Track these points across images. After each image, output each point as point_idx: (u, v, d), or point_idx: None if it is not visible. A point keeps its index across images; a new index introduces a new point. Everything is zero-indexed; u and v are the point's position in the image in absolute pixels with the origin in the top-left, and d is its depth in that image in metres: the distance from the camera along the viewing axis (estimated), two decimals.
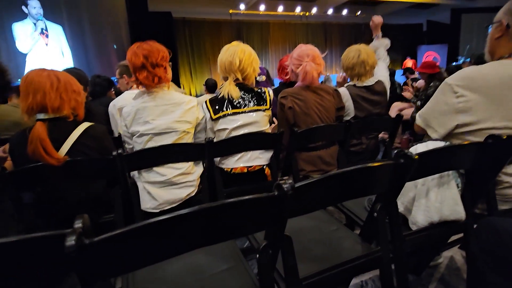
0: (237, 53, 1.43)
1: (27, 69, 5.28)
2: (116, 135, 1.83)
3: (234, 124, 1.45)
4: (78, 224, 0.47)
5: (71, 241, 0.42)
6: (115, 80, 2.39)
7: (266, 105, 1.50)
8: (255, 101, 1.48)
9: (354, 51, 1.71)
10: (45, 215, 1.18)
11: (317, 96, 1.59)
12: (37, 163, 1.06)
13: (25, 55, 5.38)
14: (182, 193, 1.34)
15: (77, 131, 1.15)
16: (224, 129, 1.46)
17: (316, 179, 0.68)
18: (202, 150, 1.33)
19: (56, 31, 5.64)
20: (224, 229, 0.62)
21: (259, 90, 1.50)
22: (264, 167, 1.53)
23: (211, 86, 4.20)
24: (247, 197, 0.60)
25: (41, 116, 1.11)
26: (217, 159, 1.50)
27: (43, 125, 1.08)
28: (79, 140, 1.15)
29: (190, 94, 7.48)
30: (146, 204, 1.32)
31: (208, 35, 8.45)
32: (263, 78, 2.58)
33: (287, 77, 2.07)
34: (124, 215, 1.24)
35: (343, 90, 1.73)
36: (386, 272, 0.85)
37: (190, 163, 1.39)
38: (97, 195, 1.24)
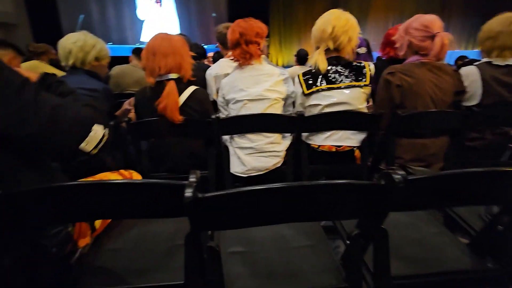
0: (330, 20, 1.31)
1: (143, 34, 6.17)
2: (211, 99, 1.98)
3: (328, 100, 1.37)
4: (192, 178, 0.52)
5: (189, 192, 0.47)
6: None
7: (365, 81, 1.35)
8: (353, 76, 1.35)
9: (505, 18, 1.34)
10: (155, 162, 1.39)
11: (434, 75, 1.34)
12: (154, 117, 1.23)
13: (142, 21, 6.19)
14: (269, 162, 1.38)
15: (186, 92, 1.28)
16: (317, 105, 1.40)
17: (435, 175, 0.58)
18: (293, 123, 1.31)
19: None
20: (316, 210, 0.60)
21: (358, 64, 1.36)
22: (354, 149, 1.43)
23: (302, 57, 4.05)
24: (346, 181, 0.56)
25: (171, 76, 1.25)
26: (305, 134, 1.47)
27: (174, 84, 1.23)
28: (187, 102, 1.27)
29: (277, 64, 7.44)
30: (235, 168, 1.40)
31: (302, 4, 8.03)
32: (363, 50, 2.32)
33: (391, 53, 1.83)
34: (216, 174, 1.35)
35: (470, 69, 1.41)
36: None
37: (279, 134, 1.40)
38: (196, 152, 1.38)
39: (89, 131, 0.68)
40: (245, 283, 0.71)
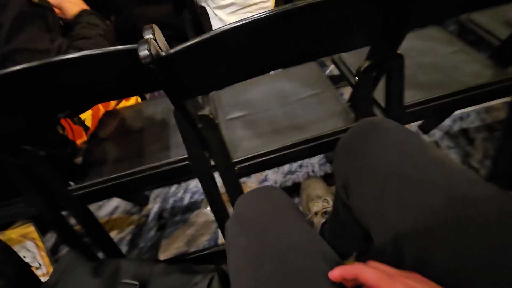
0: None
1: None
2: None
3: None
4: (148, 35, 0.39)
5: (143, 50, 0.35)
6: None
7: None
8: None
9: None
10: (122, 39, 1.20)
11: None
12: None
13: None
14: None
15: None
16: None
17: None
18: None
19: None
20: (318, 40, 0.48)
21: None
22: None
23: None
24: None
25: None
26: None
27: None
28: None
29: None
30: None
31: None
32: None
33: None
34: None
35: None
36: None
37: None
38: (167, 22, 1.15)
39: None
40: (250, 143, 0.68)
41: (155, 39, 0.39)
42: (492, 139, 1.05)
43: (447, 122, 1.14)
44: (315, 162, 1.14)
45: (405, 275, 0.30)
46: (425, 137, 1.13)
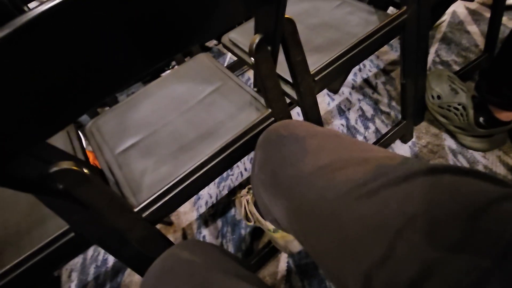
0: None
1: None
2: None
3: None
4: None
5: None
6: None
7: None
8: None
9: None
10: None
11: None
12: None
13: None
14: None
15: None
16: None
17: None
18: None
19: None
20: (179, 21, 0.35)
21: None
22: None
23: None
24: None
25: None
26: None
27: None
28: None
29: None
30: None
31: None
32: None
33: None
34: None
35: None
36: (411, 34, 0.67)
37: None
38: None
39: None
40: (156, 174, 0.53)
41: None
42: (390, 80, 1.12)
43: (350, 77, 1.18)
44: (244, 159, 1.05)
45: None
46: (337, 97, 1.14)
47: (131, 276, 0.86)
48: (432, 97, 0.88)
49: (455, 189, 0.24)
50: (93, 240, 0.48)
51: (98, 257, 0.92)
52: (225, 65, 1.41)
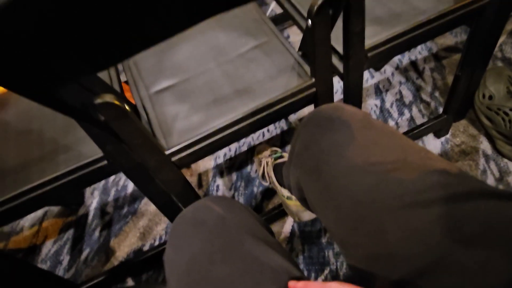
0: None
1: None
2: None
3: None
4: None
5: None
6: None
7: None
8: None
9: None
10: None
11: None
12: None
13: None
14: None
15: None
16: None
17: None
18: None
19: None
20: None
21: None
22: None
23: None
24: None
25: None
26: None
27: None
28: None
29: None
30: None
31: None
32: None
33: None
34: None
35: None
36: (486, 22, 0.60)
37: None
38: None
39: None
40: (188, 122, 0.53)
41: None
42: (439, 68, 1.03)
43: (396, 56, 1.09)
44: None
45: None
46: (377, 74, 1.07)
47: (147, 206, 0.93)
48: (483, 96, 0.82)
49: None
50: (123, 171, 0.51)
51: (119, 182, 0.99)
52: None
